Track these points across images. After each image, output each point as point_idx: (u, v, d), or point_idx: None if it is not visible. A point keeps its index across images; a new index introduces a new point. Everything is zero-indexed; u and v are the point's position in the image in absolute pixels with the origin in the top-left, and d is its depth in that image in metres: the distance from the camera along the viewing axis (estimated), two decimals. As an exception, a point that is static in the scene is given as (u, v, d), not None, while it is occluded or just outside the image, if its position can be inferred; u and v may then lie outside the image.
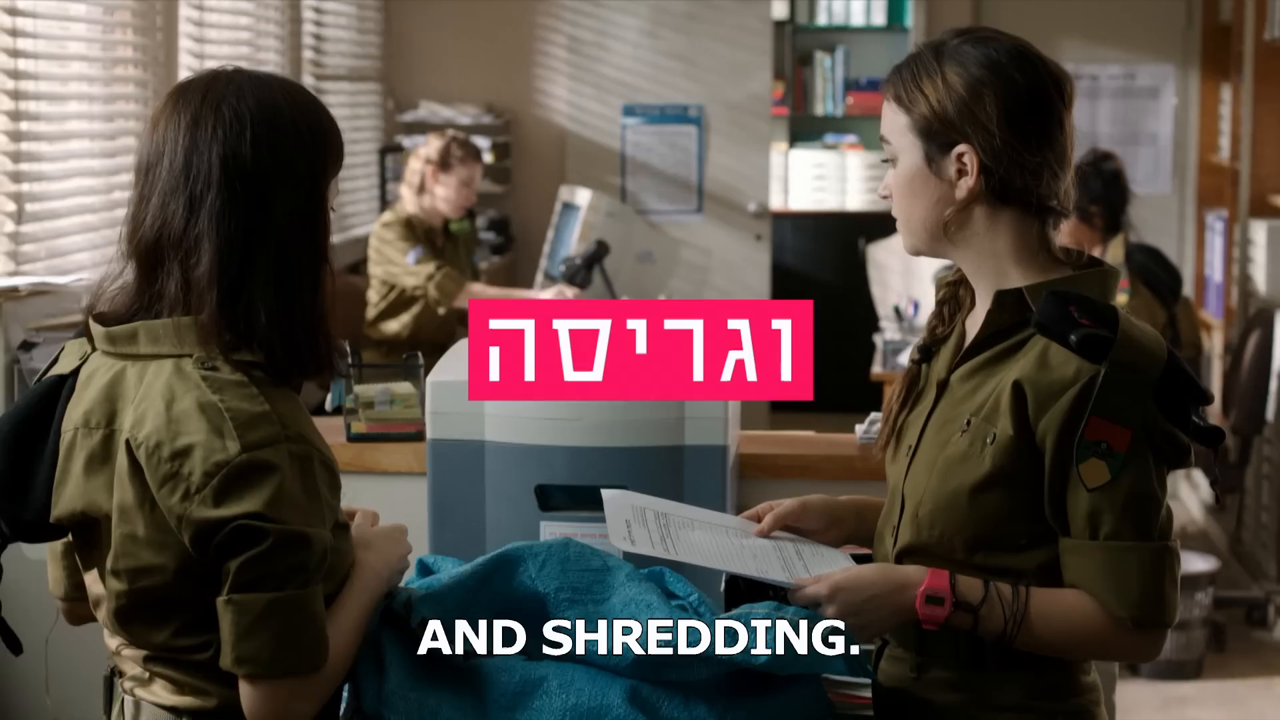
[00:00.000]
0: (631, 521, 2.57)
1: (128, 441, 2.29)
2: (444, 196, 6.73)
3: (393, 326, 6.75)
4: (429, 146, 6.75)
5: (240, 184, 2.30)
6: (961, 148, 2.42)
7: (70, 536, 2.44)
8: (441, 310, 6.68)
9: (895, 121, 2.48)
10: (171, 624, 2.33)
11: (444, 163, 6.70)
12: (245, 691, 2.28)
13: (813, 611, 2.41)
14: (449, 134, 6.85)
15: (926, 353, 2.59)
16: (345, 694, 2.47)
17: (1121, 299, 6.18)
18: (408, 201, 6.78)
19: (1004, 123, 2.40)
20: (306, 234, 2.35)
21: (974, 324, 2.51)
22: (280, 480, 2.24)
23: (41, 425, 2.39)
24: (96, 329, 2.38)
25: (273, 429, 2.26)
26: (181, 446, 2.24)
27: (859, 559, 2.58)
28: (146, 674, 2.40)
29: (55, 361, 2.45)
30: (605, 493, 2.62)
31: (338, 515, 2.38)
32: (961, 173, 2.43)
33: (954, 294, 2.59)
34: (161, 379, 2.29)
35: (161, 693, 2.39)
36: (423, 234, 6.74)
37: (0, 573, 2.48)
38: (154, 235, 2.33)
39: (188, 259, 2.31)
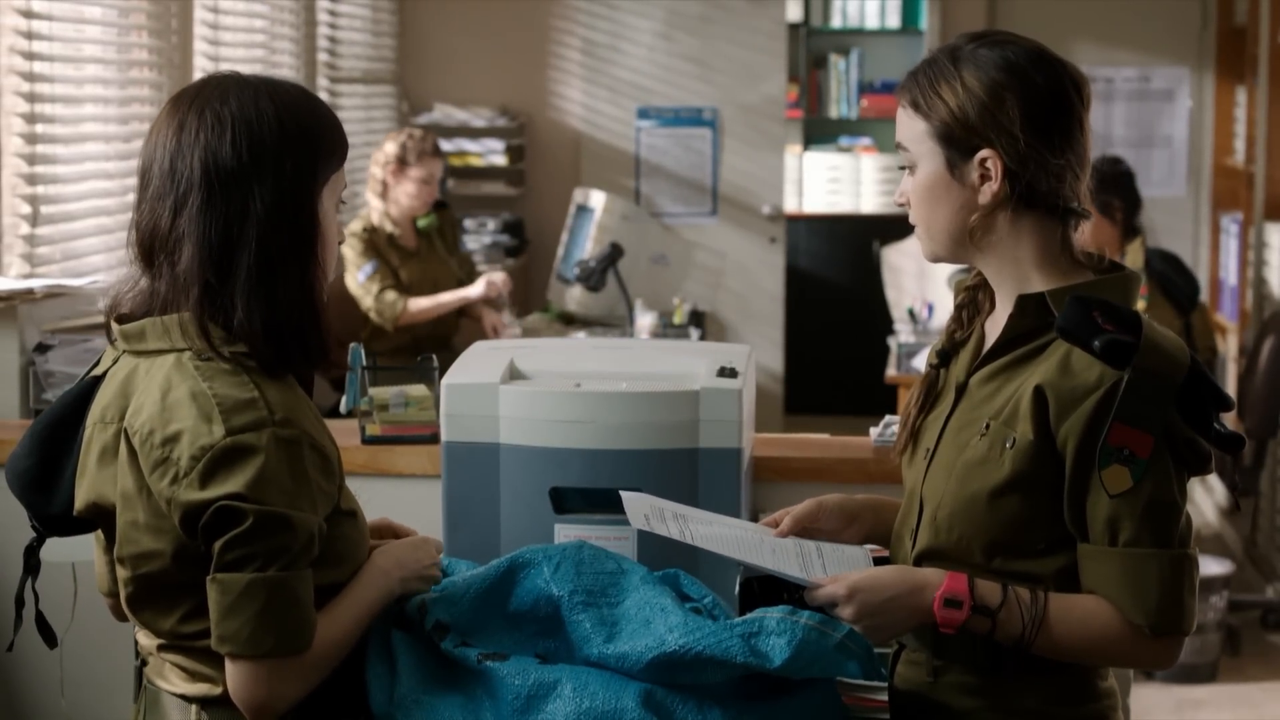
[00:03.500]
0: (650, 516, 2.57)
1: (125, 430, 2.37)
2: (407, 194, 6.68)
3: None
4: (385, 150, 6.69)
5: (219, 184, 2.37)
6: (984, 152, 2.41)
7: (100, 531, 2.51)
8: (390, 328, 6.62)
9: (913, 128, 2.47)
10: (177, 611, 2.39)
11: (401, 161, 6.65)
12: (228, 670, 2.34)
13: (827, 616, 2.41)
14: (406, 132, 6.76)
15: (944, 357, 2.57)
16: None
17: (1139, 305, 6.18)
18: (373, 208, 6.73)
19: (1027, 126, 2.39)
20: (288, 232, 2.39)
21: (993, 327, 2.51)
22: (263, 463, 2.29)
23: (73, 424, 2.48)
24: (115, 328, 2.46)
25: (258, 414, 2.32)
26: (172, 433, 2.32)
27: (878, 560, 2.57)
28: (162, 662, 2.46)
29: (97, 364, 2.53)
30: (624, 495, 2.63)
31: (337, 502, 2.42)
32: (985, 178, 2.42)
33: (973, 298, 2.58)
34: (162, 372, 2.38)
35: (176, 680, 2.45)
36: (385, 242, 6.68)
37: (39, 568, 2.59)
38: (148, 236, 2.42)
39: (173, 256, 2.39)
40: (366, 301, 6.58)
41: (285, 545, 2.30)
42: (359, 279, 6.58)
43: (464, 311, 6.95)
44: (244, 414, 2.31)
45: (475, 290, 6.74)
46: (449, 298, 6.70)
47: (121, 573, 2.42)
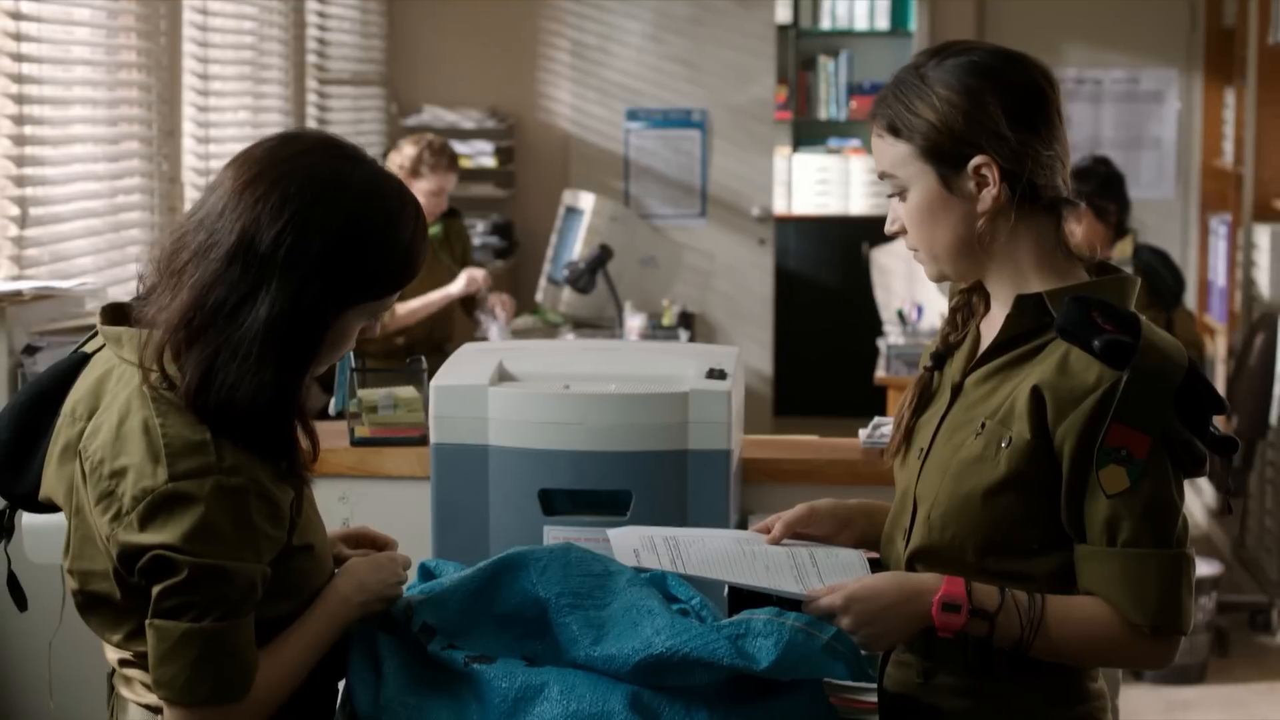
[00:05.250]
0: (640, 551, 2.56)
1: (80, 450, 2.32)
2: None
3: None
4: (402, 154, 6.65)
5: (243, 261, 2.28)
6: (978, 159, 2.39)
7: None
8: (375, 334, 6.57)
9: (896, 152, 2.44)
10: (123, 628, 2.36)
11: (414, 170, 6.61)
12: (165, 715, 2.31)
13: (814, 617, 2.41)
14: (424, 140, 6.70)
15: (939, 359, 2.57)
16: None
17: None
18: None
19: (1012, 123, 2.38)
20: (284, 338, 2.29)
21: (989, 328, 2.50)
22: (202, 513, 2.23)
23: (54, 402, 2.43)
24: (98, 326, 2.42)
25: (205, 459, 2.25)
26: (119, 467, 2.27)
27: (872, 563, 2.57)
28: (126, 673, 2.43)
29: (91, 338, 2.48)
30: (611, 533, 2.61)
31: (285, 542, 2.34)
32: (981, 184, 2.40)
33: (967, 300, 2.57)
34: (126, 391, 2.32)
35: (142, 691, 2.42)
36: None
37: (12, 532, 2.55)
38: (170, 250, 2.35)
39: (169, 290, 2.32)
40: None
41: (223, 596, 2.25)
42: None
43: (468, 311, 6.94)
44: (190, 459, 2.25)
45: (456, 287, 6.65)
46: (434, 297, 6.64)
47: (70, 582, 2.39)
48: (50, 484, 2.40)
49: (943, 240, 2.45)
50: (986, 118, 2.38)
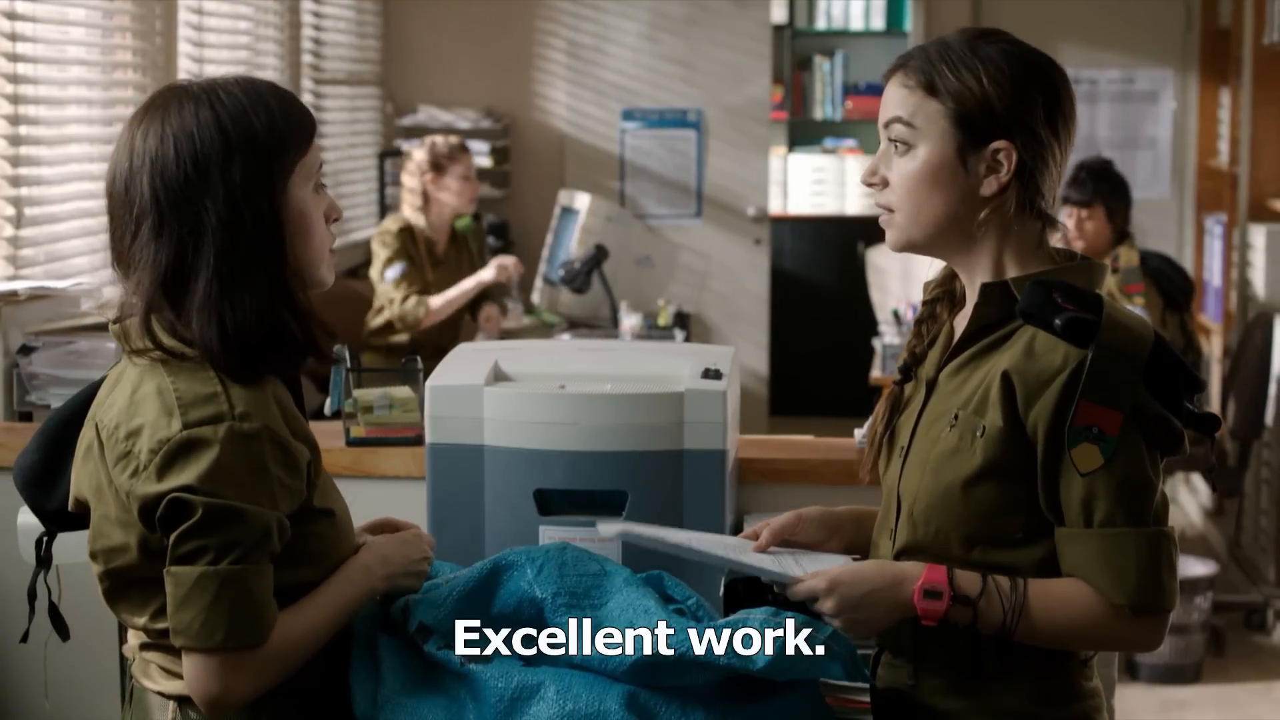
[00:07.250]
0: (626, 531, 2.57)
1: (96, 426, 2.39)
2: (452, 195, 6.71)
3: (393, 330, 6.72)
4: (415, 160, 6.73)
5: (169, 204, 2.35)
6: (1000, 144, 2.38)
7: None
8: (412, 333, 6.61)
9: (924, 107, 2.41)
10: (149, 606, 2.39)
11: (437, 166, 6.68)
12: (184, 664, 2.34)
13: (810, 617, 2.41)
14: (428, 140, 6.82)
15: (906, 373, 2.57)
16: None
17: (1139, 300, 6.26)
18: (411, 215, 6.74)
19: (1046, 123, 2.39)
20: (250, 238, 2.36)
21: (962, 322, 2.50)
22: (217, 456, 2.29)
23: (78, 422, 2.50)
24: (110, 326, 2.48)
25: (217, 408, 2.32)
26: (134, 427, 2.34)
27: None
28: (146, 661, 2.46)
29: (113, 368, 2.54)
30: (600, 526, 2.61)
31: (309, 500, 2.41)
32: (991, 169, 2.40)
33: (931, 311, 2.56)
34: (138, 370, 2.39)
35: (158, 678, 2.45)
36: (423, 245, 6.70)
37: (50, 561, 2.63)
38: (115, 252, 2.42)
39: (134, 276, 2.39)
40: (392, 309, 6.58)
41: (237, 538, 2.29)
42: (386, 278, 6.59)
43: (474, 311, 6.96)
44: (202, 408, 2.32)
45: (487, 274, 6.75)
46: (467, 284, 6.71)
47: (95, 568, 2.42)
48: (76, 485, 2.46)
49: (933, 209, 2.43)
50: (1026, 110, 2.38)
